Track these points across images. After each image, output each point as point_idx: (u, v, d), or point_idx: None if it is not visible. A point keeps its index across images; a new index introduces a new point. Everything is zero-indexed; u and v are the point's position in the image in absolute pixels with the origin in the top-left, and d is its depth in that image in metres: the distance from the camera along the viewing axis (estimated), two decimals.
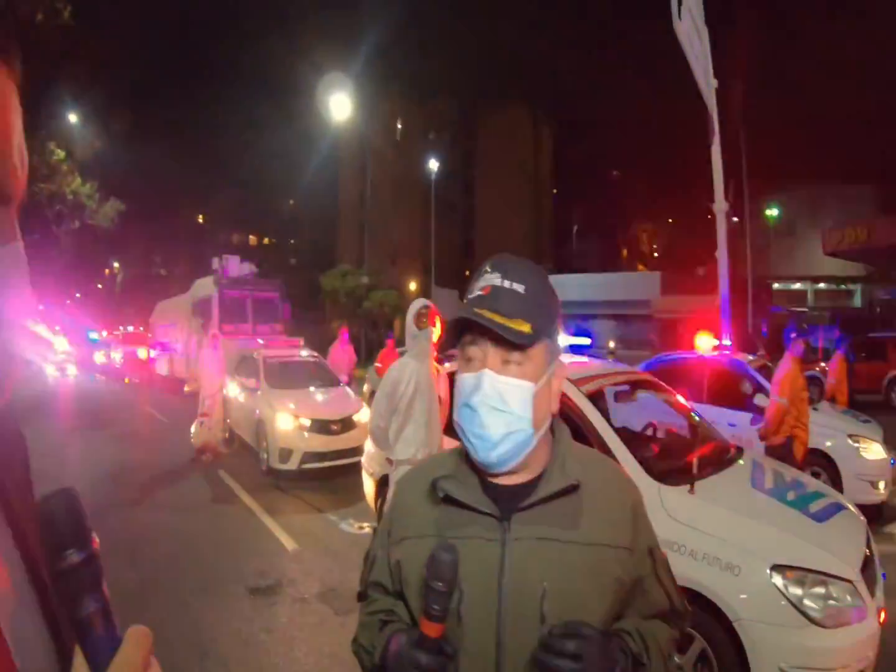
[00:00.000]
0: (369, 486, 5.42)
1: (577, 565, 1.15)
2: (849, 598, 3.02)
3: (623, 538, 1.21)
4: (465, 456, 1.26)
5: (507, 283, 1.16)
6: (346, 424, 8.97)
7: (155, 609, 4.69)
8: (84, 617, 0.61)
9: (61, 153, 18.18)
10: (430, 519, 1.24)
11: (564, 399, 3.89)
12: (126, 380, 26.13)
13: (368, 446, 5.46)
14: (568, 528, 1.18)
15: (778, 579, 3.00)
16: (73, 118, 20.12)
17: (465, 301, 1.21)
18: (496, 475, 1.20)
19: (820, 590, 3.01)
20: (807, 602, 2.96)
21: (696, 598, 3.07)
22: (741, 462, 4.18)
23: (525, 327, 1.13)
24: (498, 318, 1.13)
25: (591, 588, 1.15)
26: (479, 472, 1.22)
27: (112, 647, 0.61)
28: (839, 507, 3.77)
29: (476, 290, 1.19)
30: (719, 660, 3.09)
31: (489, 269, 1.20)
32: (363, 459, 5.68)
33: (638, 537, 1.23)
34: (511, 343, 1.13)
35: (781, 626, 2.94)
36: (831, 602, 2.99)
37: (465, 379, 1.19)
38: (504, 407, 1.14)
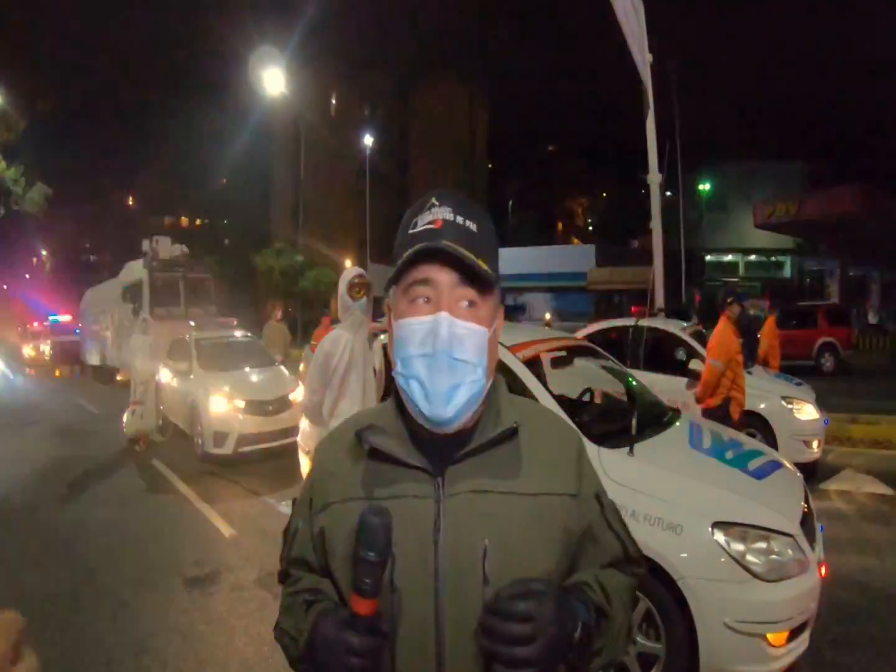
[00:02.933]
0: (305, 465, 5.23)
1: (519, 517, 1.04)
2: (790, 551, 3.04)
3: (568, 484, 1.11)
4: (391, 410, 1.13)
5: (459, 219, 1.02)
6: (282, 404, 8.80)
7: (90, 606, 4.53)
8: None
9: None
10: (356, 479, 1.10)
11: (500, 364, 3.81)
12: (57, 372, 25.19)
13: (304, 424, 5.28)
14: (507, 478, 1.06)
15: (720, 536, 2.99)
16: None
17: (408, 235, 1.05)
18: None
19: (761, 545, 3.01)
20: (749, 557, 2.96)
21: None
22: (679, 423, 4.17)
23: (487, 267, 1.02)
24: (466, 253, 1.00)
25: (537, 541, 1.05)
26: (409, 424, 1.09)
27: None
28: (777, 465, 3.80)
29: (423, 224, 1.03)
30: (665, 618, 3.07)
31: (436, 202, 1.04)
32: (299, 438, 5.49)
33: (583, 481, 1.14)
34: (474, 283, 1.01)
35: (725, 582, 2.94)
36: (773, 556, 3.00)
37: (413, 325, 1.03)
38: (462, 355, 1.01)
